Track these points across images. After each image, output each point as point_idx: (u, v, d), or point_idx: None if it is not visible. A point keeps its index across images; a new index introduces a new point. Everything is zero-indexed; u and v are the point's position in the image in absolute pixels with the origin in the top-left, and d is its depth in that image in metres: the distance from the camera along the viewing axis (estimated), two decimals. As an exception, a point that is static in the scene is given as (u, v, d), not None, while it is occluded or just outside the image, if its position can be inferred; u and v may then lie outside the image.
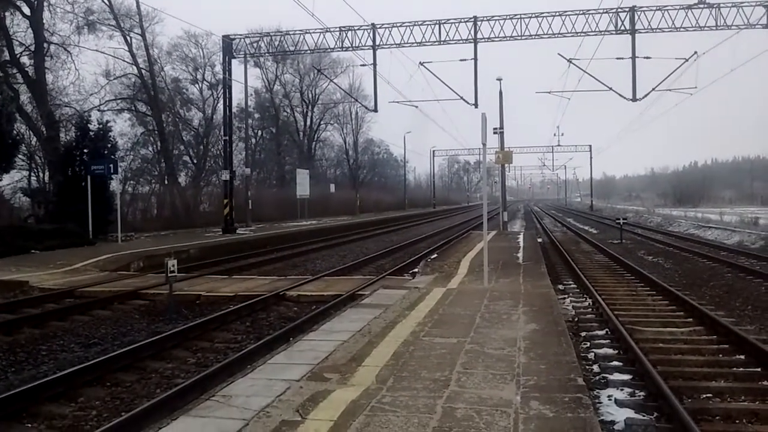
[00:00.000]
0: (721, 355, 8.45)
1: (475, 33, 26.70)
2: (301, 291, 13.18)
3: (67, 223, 23.54)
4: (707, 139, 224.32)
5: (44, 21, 30.95)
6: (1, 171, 22.67)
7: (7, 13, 29.97)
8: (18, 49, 30.60)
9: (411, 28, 27.17)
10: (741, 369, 7.77)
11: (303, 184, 45.09)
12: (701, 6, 24.69)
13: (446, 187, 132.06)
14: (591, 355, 8.52)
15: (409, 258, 20.66)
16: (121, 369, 7.89)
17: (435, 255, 19.94)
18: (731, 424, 6.08)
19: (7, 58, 30.00)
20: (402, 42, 27.30)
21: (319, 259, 21.91)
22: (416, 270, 16.33)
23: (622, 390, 7.05)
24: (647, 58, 25.80)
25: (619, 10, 25.53)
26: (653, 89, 26.59)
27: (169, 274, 11.27)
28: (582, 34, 25.94)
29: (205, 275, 16.25)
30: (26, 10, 30.40)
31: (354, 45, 28.06)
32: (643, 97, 26.46)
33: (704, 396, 6.82)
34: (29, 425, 6.26)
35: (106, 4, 36.58)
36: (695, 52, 25.16)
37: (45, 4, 30.91)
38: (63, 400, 6.85)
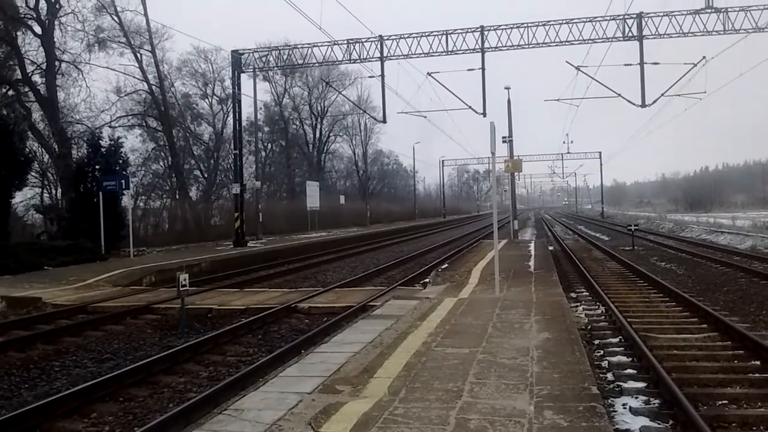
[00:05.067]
0: (736, 361, 8.36)
1: (483, 42, 26.73)
2: (312, 303, 13.17)
3: (80, 239, 23.69)
4: (718, 143, 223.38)
5: (55, 39, 31.32)
6: (14, 188, 22.84)
7: (18, 33, 30.34)
8: (30, 68, 30.97)
9: (418, 39, 27.24)
10: (757, 375, 7.69)
11: (313, 196, 45.20)
12: (709, 11, 24.60)
13: (456, 196, 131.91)
14: (605, 363, 8.46)
15: (419, 268, 20.62)
16: (133, 384, 7.90)
17: (446, 265, 19.90)
18: (748, 430, 6.01)
19: (19, 76, 30.34)
20: (409, 53, 27.36)
21: (329, 271, 21.91)
22: (427, 280, 16.31)
23: (636, 398, 6.99)
24: (655, 63, 25.75)
25: (626, 16, 25.50)
26: (662, 95, 26.55)
27: (181, 288, 11.29)
28: (589, 41, 25.90)
29: (217, 289, 16.28)
30: (37, 29, 30.76)
31: (362, 57, 28.18)
32: (653, 103, 26.38)
33: (720, 403, 6.75)
34: (43, 441, 6.27)
35: (116, 21, 36.97)
36: (704, 57, 25.14)
37: (56, 22, 31.26)
38: (76, 416, 6.86)
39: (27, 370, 8.90)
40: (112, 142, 28.05)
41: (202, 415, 5.55)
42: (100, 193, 24.00)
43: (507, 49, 26.73)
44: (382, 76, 27.80)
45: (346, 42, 28.14)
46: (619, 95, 26.83)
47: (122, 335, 11.16)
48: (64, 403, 6.95)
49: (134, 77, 39.75)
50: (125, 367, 8.41)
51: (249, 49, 30.98)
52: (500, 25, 26.65)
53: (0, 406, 7.30)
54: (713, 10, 24.61)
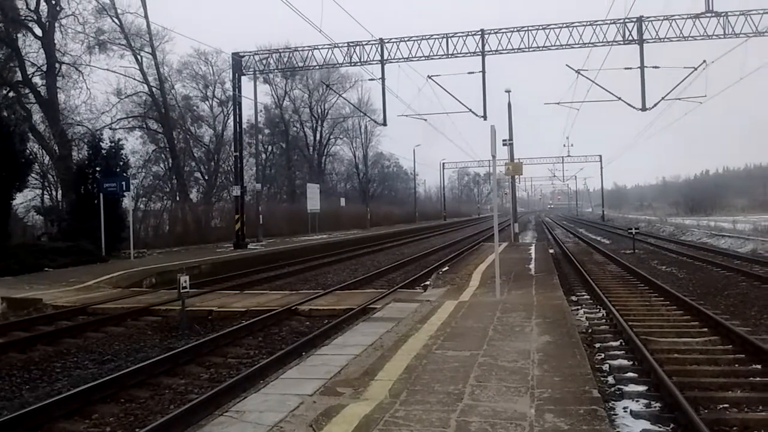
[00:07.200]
0: (737, 365, 8.36)
1: (483, 46, 26.77)
2: (312, 305, 13.18)
3: (80, 240, 23.68)
4: (718, 147, 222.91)
5: (56, 41, 31.36)
6: (15, 190, 22.84)
7: (19, 34, 30.38)
8: (30, 70, 31.02)
9: (419, 42, 27.27)
10: (758, 378, 7.69)
11: (313, 199, 45.17)
12: (709, 15, 24.64)
13: (457, 199, 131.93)
14: (606, 367, 8.46)
15: (420, 271, 20.62)
16: (134, 385, 7.90)
17: (446, 267, 19.90)
18: (749, 434, 6.01)
19: (20, 78, 30.39)
20: (410, 56, 27.40)
21: (330, 273, 21.90)
22: (428, 283, 16.30)
23: (637, 401, 6.98)
24: (656, 67, 25.77)
25: (627, 20, 25.54)
26: (662, 98, 26.55)
27: (182, 290, 11.29)
28: (590, 45, 25.95)
29: (217, 291, 16.27)
30: (38, 31, 30.82)
31: (362, 60, 28.21)
32: (653, 107, 26.40)
33: (721, 406, 6.75)
34: (44, 443, 6.27)
35: (116, 24, 37.00)
36: (704, 61, 25.14)
37: (56, 24, 31.32)
38: (77, 417, 6.86)
39: (28, 371, 8.90)
40: (113, 144, 28.09)
41: (203, 417, 5.54)
42: (101, 195, 24.00)
43: (507, 53, 26.80)
44: (383, 78, 27.85)
45: (346, 45, 28.20)
46: (620, 99, 26.86)
47: (123, 337, 11.16)
48: (65, 404, 6.96)
49: (135, 79, 39.82)
50: (126, 369, 8.41)
51: (249, 52, 31.01)
52: (500, 29, 26.71)
53: (1, 407, 7.30)
54: (713, 14, 24.65)
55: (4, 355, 9.72)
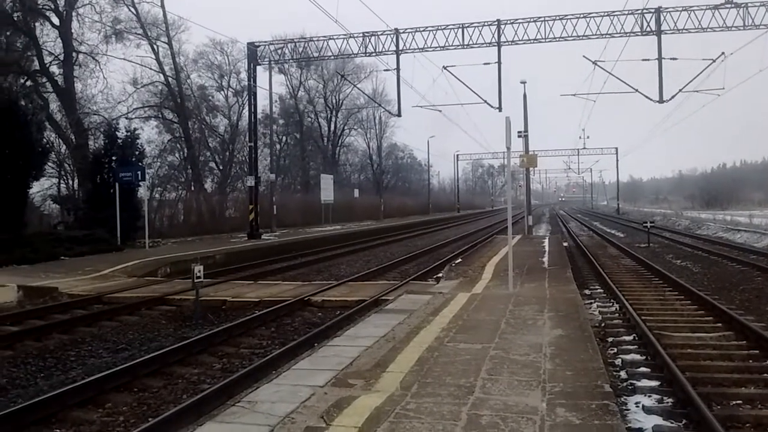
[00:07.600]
0: (751, 361, 8.30)
1: (499, 36, 26.61)
2: (325, 296, 13.21)
3: (96, 229, 23.86)
4: (736, 140, 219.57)
5: (73, 31, 31.63)
6: (32, 179, 23.02)
7: (36, 23, 30.60)
8: (47, 59, 31.28)
9: (434, 32, 27.14)
10: (772, 375, 7.62)
11: (327, 190, 45.19)
12: (728, 6, 24.34)
13: (470, 191, 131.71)
14: (618, 361, 8.42)
15: (433, 263, 20.59)
16: (148, 374, 7.97)
17: (459, 260, 19.88)
18: (762, 431, 5.96)
19: (37, 67, 30.63)
20: (425, 46, 27.28)
21: (343, 264, 21.94)
22: (440, 275, 16.28)
23: (649, 396, 6.95)
24: (674, 59, 25.49)
25: (645, 11, 25.29)
26: (680, 90, 26.28)
27: (196, 280, 11.36)
28: (607, 35, 25.72)
29: (231, 281, 16.34)
30: (55, 20, 31.05)
31: (377, 50, 28.13)
32: (670, 99, 26.15)
33: (734, 403, 6.70)
34: (58, 430, 6.34)
35: (133, 13, 37.22)
36: (723, 53, 24.87)
37: (74, 14, 31.55)
38: (91, 406, 6.93)
39: (43, 360, 9.00)
40: (129, 134, 28.24)
41: (216, 407, 5.58)
42: (117, 184, 24.14)
43: (523, 43, 26.61)
44: (398, 69, 27.81)
45: (361, 35, 28.13)
46: (637, 90, 26.65)
47: (137, 326, 11.24)
48: (79, 392, 7.03)
49: (151, 69, 40.06)
50: (140, 358, 8.50)
51: (265, 42, 31.02)
52: (517, 19, 26.52)
53: (16, 395, 7.40)
54: (733, 5, 24.35)
55: (20, 343, 9.84)
